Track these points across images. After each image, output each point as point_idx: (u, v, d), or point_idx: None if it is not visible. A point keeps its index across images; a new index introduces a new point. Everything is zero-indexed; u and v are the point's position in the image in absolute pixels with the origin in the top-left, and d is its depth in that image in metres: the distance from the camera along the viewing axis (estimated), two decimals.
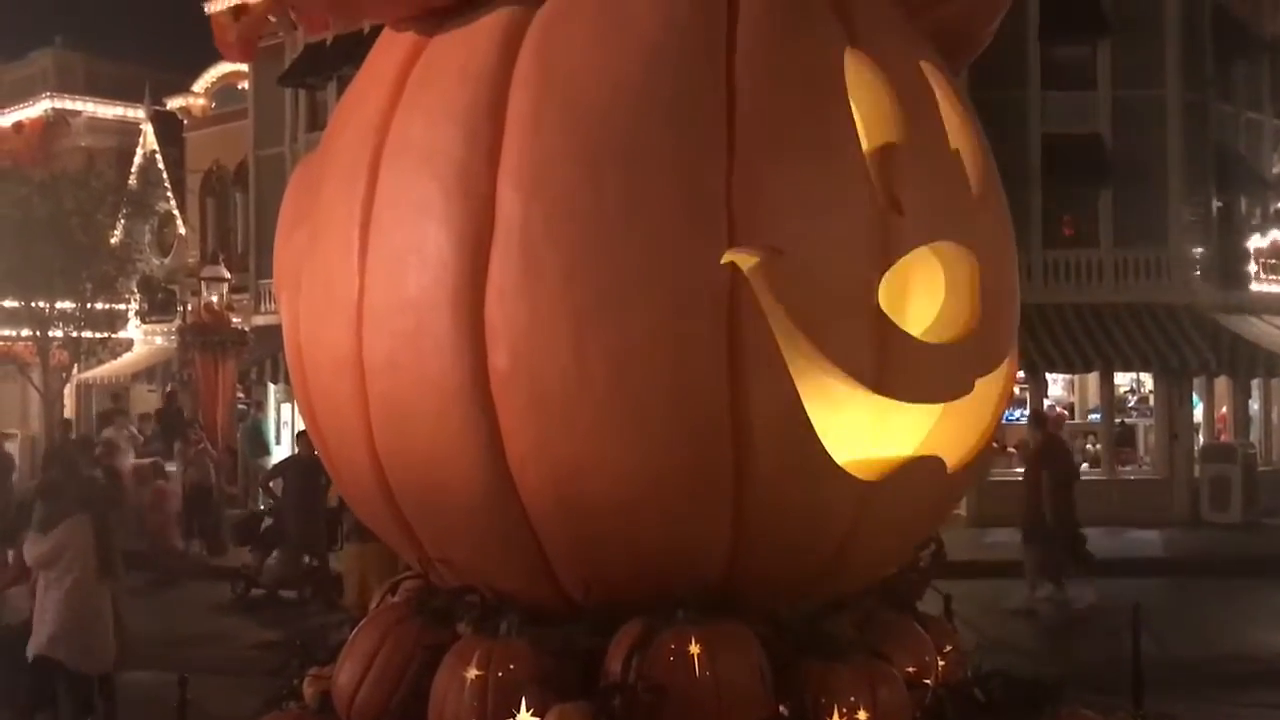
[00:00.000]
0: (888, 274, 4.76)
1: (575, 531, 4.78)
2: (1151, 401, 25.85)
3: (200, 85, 36.81)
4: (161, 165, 36.89)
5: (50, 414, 30.58)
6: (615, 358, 4.53)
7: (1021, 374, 21.01)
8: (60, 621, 8.46)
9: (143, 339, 36.65)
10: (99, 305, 31.55)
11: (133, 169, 36.91)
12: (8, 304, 30.95)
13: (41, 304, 30.08)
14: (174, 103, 37.23)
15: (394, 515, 5.24)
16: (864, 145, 4.84)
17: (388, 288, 4.89)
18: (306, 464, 16.07)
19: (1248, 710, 11.48)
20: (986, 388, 5.21)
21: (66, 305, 30.56)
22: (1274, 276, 26.92)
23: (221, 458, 23.25)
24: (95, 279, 30.63)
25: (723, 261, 4.52)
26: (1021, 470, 24.40)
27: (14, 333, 32.03)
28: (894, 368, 4.76)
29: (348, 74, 23.00)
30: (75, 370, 33.13)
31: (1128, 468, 25.59)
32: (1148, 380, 25.92)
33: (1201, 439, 25.56)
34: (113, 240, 32.26)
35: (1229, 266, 26.31)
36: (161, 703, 8.52)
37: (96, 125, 40.42)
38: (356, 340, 4.97)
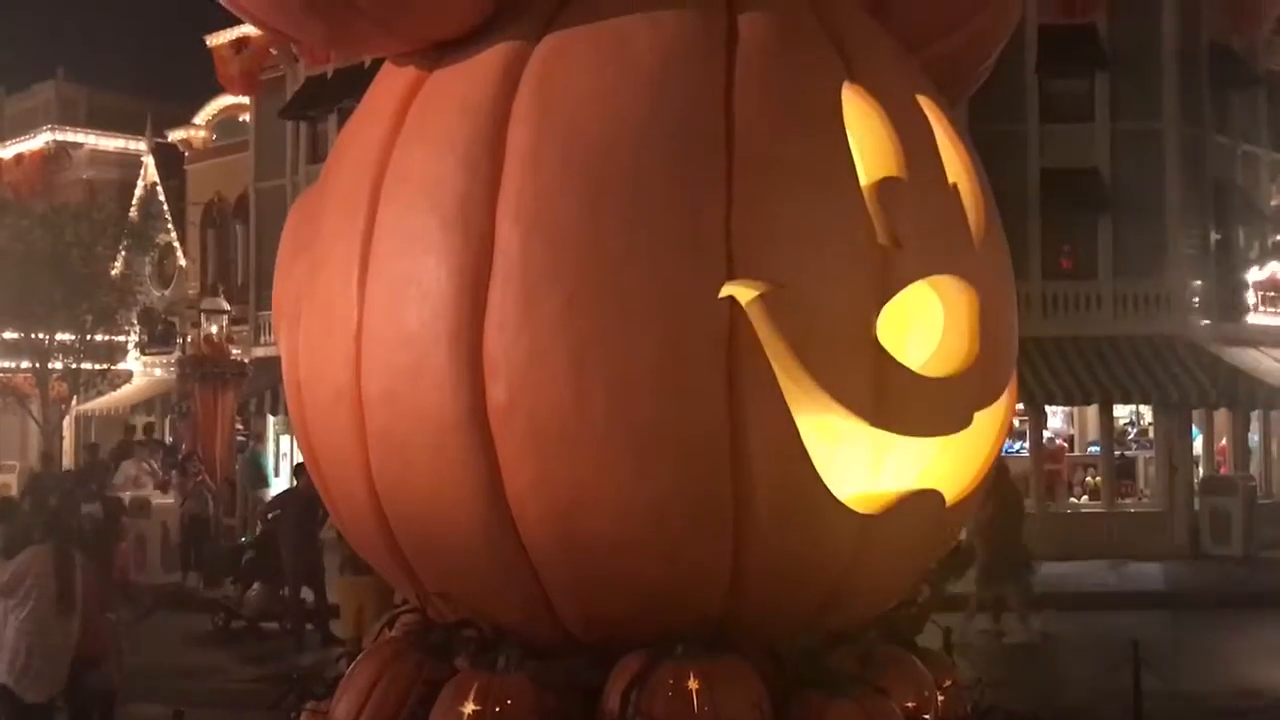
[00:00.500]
0: (886, 307, 4.76)
1: (574, 565, 4.76)
2: (1151, 434, 25.80)
3: (201, 118, 36.94)
4: (162, 197, 36.99)
5: (49, 445, 30.54)
6: (614, 391, 4.53)
7: (1020, 406, 21.03)
8: (14, 650, 8.43)
9: (142, 370, 36.67)
10: (99, 337, 31.60)
11: (133, 201, 37.01)
12: (8, 336, 30.98)
13: (41, 335, 30.10)
14: (175, 135, 37.36)
15: (391, 549, 5.22)
16: (862, 179, 4.86)
17: (386, 320, 4.89)
18: (305, 497, 16.03)
19: None
20: (985, 421, 5.21)
21: (66, 337, 30.59)
22: (1272, 309, 26.93)
23: (220, 489, 23.19)
24: (95, 311, 30.68)
25: (722, 295, 4.53)
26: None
27: (14, 364, 32.04)
28: (893, 401, 4.76)
29: (348, 106, 23.07)
30: (74, 402, 33.11)
31: (1127, 500, 25.53)
32: (1147, 412, 25.88)
33: (1201, 471, 25.51)
34: (113, 272, 32.33)
35: (1227, 299, 26.32)
36: None
37: (98, 157, 40.55)
38: (355, 373, 4.97)
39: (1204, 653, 15.09)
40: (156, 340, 35.41)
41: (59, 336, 30.44)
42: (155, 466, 25.65)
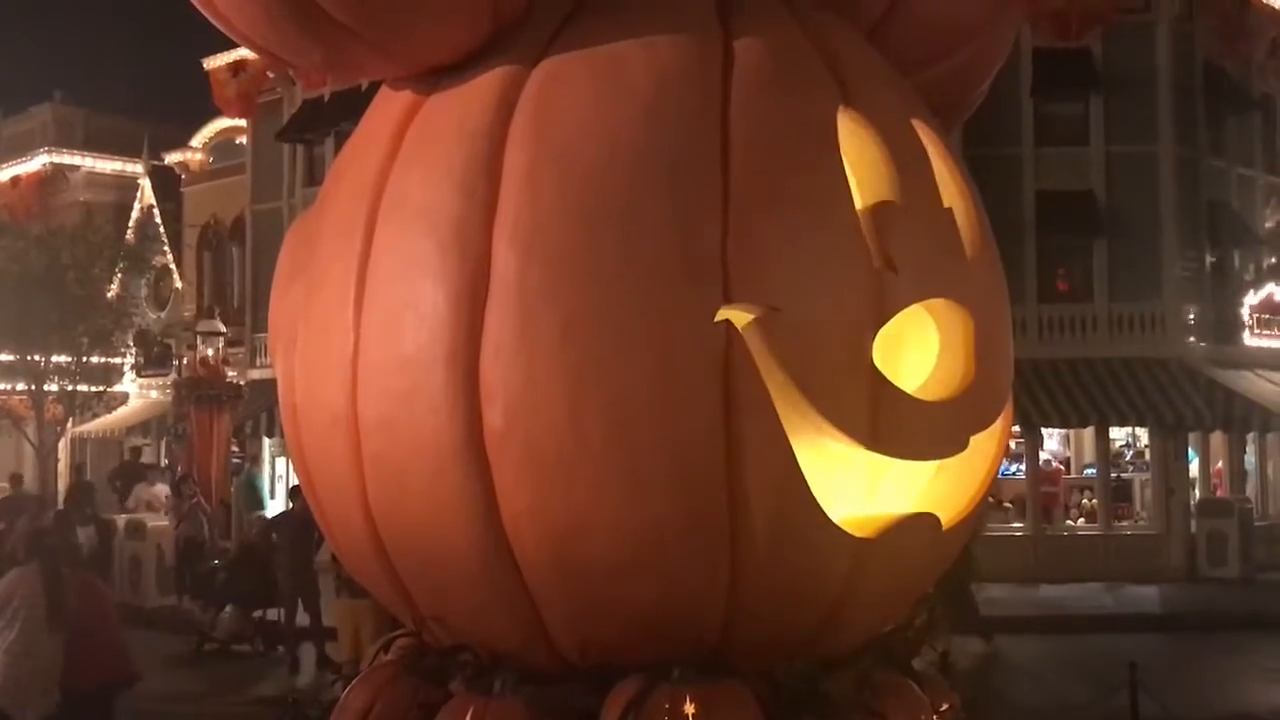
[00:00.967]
0: (882, 331, 4.77)
1: (570, 590, 4.75)
2: (1147, 456, 25.82)
3: (198, 140, 37.01)
4: (159, 219, 37.04)
5: (44, 468, 30.48)
6: (611, 416, 4.52)
7: (1017, 429, 21.03)
8: (3, 673, 8.39)
9: (138, 393, 36.63)
10: (94, 359, 31.56)
11: (130, 223, 37.05)
12: (3, 358, 30.96)
13: (37, 357, 30.08)
14: (172, 157, 37.42)
15: (387, 573, 5.21)
16: (858, 203, 4.86)
17: (383, 344, 4.88)
18: (300, 519, 16.01)
19: None
20: (982, 444, 5.21)
21: (62, 359, 30.57)
22: (1268, 332, 26.98)
23: (215, 512, 23.14)
24: (91, 333, 30.67)
25: (718, 319, 4.53)
26: (1019, 525, 24.59)
27: (9, 386, 32.00)
28: (889, 425, 4.76)
29: (345, 129, 23.13)
30: (70, 424, 33.06)
31: (1124, 523, 25.52)
32: (1143, 435, 25.91)
33: (1198, 494, 25.50)
34: (109, 294, 32.33)
35: (1223, 321, 26.38)
36: None
37: (94, 180, 40.60)
38: (351, 397, 4.96)
39: (1201, 675, 15.07)
40: (152, 362, 35.39)
41: (55, 358, 30.42)
42: (168, 489, 25.60)
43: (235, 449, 28.52)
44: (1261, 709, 13.69)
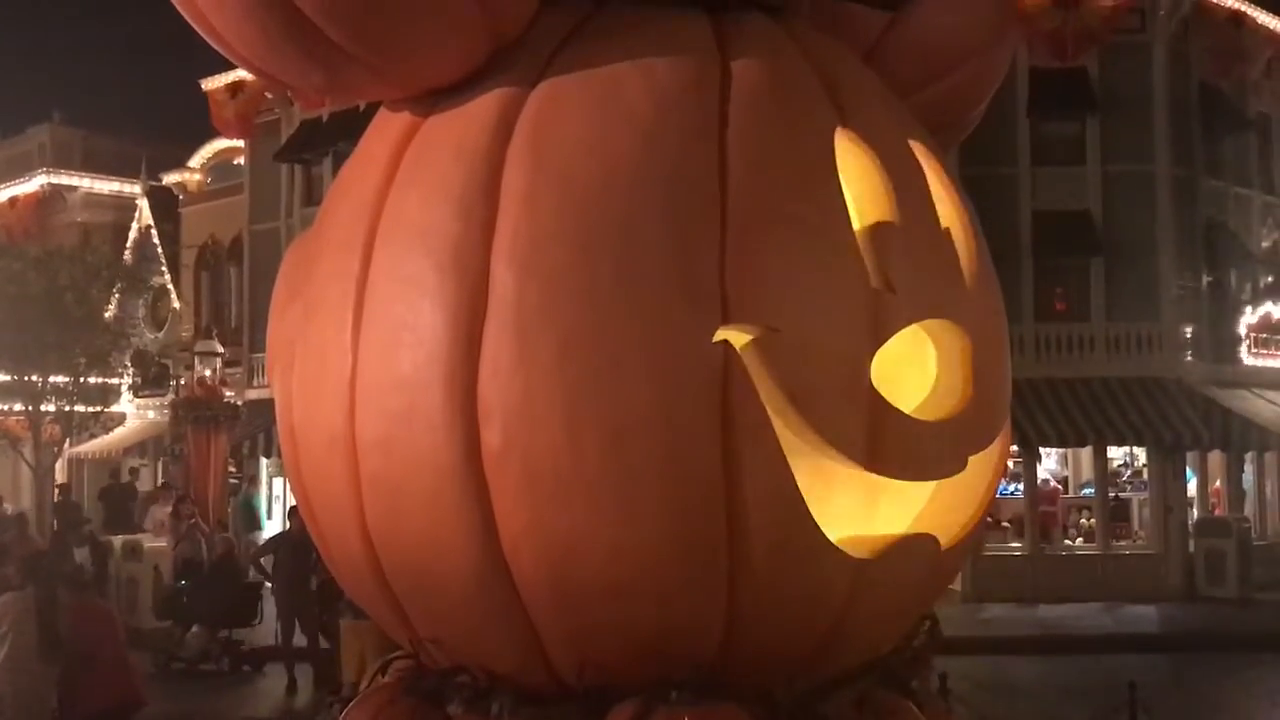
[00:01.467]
0: (880, 351, 4.77)
1: (568, 610, 4.74)
2: (1145, 475, 25.83)
3: (196, 161, 37.09)
4: (156, 240, 37.07)
5: (41, 488, 30.42)
6: (609, 436, 4.52)
7: (1015, 449, 21.04)
8: None
9: (135, 413, 36.59)
10: (92, 379, 31.51)
11: (128, 244, 37.08)
12: (1, 378, 30.92)
13: (34, 378, 30.06)
14: (170, 178, 37.49)
15: (385, 594, 5.19)
16: (855, 223, 4.87)
17: (381, 365, 4.87)
18: (298, 540, 15.99)
19: None
20: (980, 464, 5.21)
21: (59, 379, 30.53)
22: (1265, 351, 27.02)
23: (213, 532, 23.09)
24: (89, 353, 30.61)
25: (716, 339, 4.53)
26: (1018, 545, 24.58)
27: (6, 407, 31.96)
28: (887, 445, 4.75)
29: (343, 150, 23.21)
30: (67, 444, 33.01)
31: (1122, 542, 25.52)
32: (1141, 454, 25.93)
33: (1196, 513, 25.50)
34: (107, 315, 32.31)
35: (1220, 341, 26.43)
36: None
37: (92, 200, 40.64)
38: (349, 417, 4.95)
39: (1200, 695, 15.06)
40: (150, 383, 35.36)
41: (52, 379, 30.35)
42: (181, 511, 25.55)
43: (233, 469, 28.47)
44: None
